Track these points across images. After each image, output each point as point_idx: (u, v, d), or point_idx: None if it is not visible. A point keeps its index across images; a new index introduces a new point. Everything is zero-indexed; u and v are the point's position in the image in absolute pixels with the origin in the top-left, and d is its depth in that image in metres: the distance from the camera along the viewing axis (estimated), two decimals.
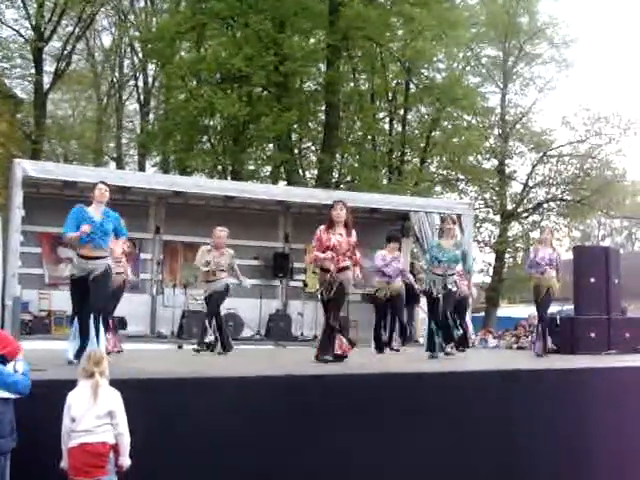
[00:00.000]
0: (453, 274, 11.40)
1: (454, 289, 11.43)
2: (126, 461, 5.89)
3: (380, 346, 12.94)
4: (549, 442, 8.77)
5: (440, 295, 11.13)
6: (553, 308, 12.69)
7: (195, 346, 11.83)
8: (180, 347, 14.84)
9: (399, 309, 13.47)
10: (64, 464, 5.82)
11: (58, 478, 5.80)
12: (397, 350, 13.06)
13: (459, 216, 17.62)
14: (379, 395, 7.96)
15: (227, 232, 12.08)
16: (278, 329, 17.66)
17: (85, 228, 8.50)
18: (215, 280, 11.84)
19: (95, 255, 8.67)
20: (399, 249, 13.71)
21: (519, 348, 16.40)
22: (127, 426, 5.87)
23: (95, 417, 5.74)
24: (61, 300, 16.18)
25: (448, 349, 11.23)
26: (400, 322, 13.45)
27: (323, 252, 9.66)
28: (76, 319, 8.76)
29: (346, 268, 9.73)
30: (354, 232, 9.82)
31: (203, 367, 9.19)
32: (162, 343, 15.52)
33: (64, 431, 5.80)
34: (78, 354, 8.23)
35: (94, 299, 8.69)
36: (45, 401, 5.93)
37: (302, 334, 17.98)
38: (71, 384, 5.97)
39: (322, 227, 9.80)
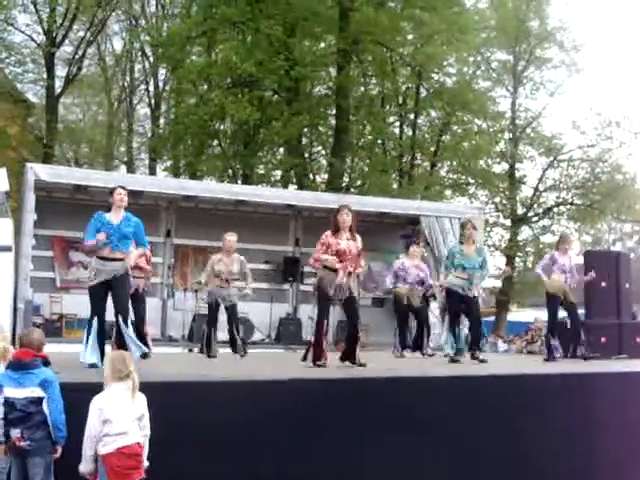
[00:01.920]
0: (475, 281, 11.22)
1: (477, 295, 11.25)
2: (145, 462, 5.99)
3: (401, 351, 13.09)
4: (558, 445, 8.78)
5: (470, 295, 10.94)
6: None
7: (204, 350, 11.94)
8: (191, 350, 14.88)
9: (424, 315, 13.62)
10: (83, 468, 5.87)
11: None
12: (431, 355, 13.09)
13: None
14: (389, 400, 7.98)
15: (236, 237, 12.07)
16: (288, 333, 17.66)
17: (100, 237, 8.55)
18: (227, 288, 11.85)
19: (114, 257, 8.66)
20: (421, 255, 13.87)
21: (530, 352, 16.39)
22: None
23: (130, 420, 5.83)
24: (72, 303, 16.27)
25: (481, 356, 10.94)
26: (427, 328, 13.55)
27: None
28: (95, 322, 8.73)
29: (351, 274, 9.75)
30: (359, 237, 9.83)
31: (213, 371, 9.22)
32: (173, 346, 15.55)
33: (92, 435, 5.81)
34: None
35: (119, 301, 8.76)
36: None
37: None
38: (85, 387, 6.02)
39: (328, 232, 9.80)
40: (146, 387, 6.07)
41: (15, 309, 13.63)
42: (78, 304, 16.09)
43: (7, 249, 12.90)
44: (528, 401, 8.81)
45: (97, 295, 8.76)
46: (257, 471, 7.10)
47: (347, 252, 9.63)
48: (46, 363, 6.05)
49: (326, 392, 7.89)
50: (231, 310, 11.96)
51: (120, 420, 5.81)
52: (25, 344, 6.10)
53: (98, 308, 8.78)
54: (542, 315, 18.75)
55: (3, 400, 5.81)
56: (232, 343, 11.91)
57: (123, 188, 8.95)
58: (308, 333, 18.02)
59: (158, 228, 17.37)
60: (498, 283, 32.53)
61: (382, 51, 27.72)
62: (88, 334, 8.74)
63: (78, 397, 5.98)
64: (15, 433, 5.77)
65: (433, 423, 8.11)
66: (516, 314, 34.03)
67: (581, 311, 14.15)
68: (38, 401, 5.79)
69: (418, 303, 13.34)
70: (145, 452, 5.96)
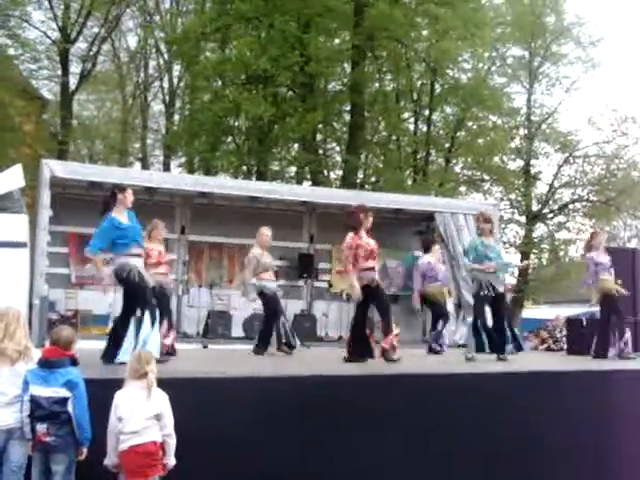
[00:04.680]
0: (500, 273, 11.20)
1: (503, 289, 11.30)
2: (172, 461, 6.03)
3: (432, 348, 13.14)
4: (574, 442, 8.75)
5: (496, 295, 10.89)
6: (579, 309, 12.60)
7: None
8: (205, 347, 14.89)
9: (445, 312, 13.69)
10: (108, 461, 5.96)
11: (98, 475, 5.92)
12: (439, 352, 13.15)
13: None
14: (409, 396, 7.97)
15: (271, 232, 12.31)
16: (303, 329, 17.59)
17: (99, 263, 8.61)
18: (271, 280, 12.10)
19: (136, 253, 8.69)
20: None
21: (549, 349, 16.32)
22: (173, 427, 5.99)
23: (144, 418, 5.86)
24: (87, 299, 16.32)
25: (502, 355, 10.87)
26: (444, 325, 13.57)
27: (367, 259, 9.86)
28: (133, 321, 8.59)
29: None
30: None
31: (228, 367, 9.21)
32: (187, 343, 15.55)
33: (110, 431, 5.92)
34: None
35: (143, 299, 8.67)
36: None
37: (327, 334, 17.98)
38: (106, 383, 6.04)
39: (352, 235, 9.88)
40: (161, 384, 6.08)
41: (31, 305, 13.66)
42: (93, 300, 16.17)
43: (23, 245, 12.92)
44: (544, 397, 8.78)
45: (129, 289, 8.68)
46: (272, 468, 7.09)
47: (376, 250, 9.99)
48: (74, 362, 6.05)
49: (343, 388, 7.88)
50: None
51: (133, 419, 5.85)
52: (52, 342, 6.14)
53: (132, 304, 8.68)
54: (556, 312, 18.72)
55: (30, 397, 5.83)
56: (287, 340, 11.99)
57: (129, 187, 8.96)
58: (322, 329, 18.09)
59: (173, 225, 17.37)
60: (512, 280, 32.43)
61: (397, 47, 27.64)
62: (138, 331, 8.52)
63: (99, 393, 5.99)
64: (41, 428, 5.81)
65: (453, 421, 8.10)
66: (530, 311, 33.90)
67: (596, 308, 14.09)
68: (62, 401, 5.81)
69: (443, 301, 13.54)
70: (171, 450, 6.01)
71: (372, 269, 9.88)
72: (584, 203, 32.37)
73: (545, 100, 32.58)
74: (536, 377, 9.38)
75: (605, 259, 12.10)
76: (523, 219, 32.19)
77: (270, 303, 12.08)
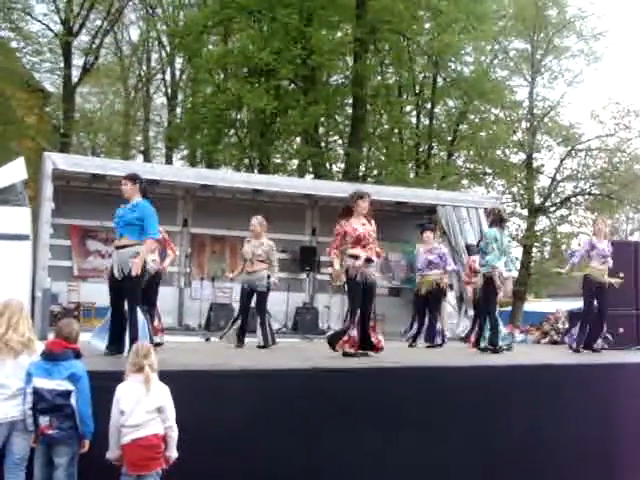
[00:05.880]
0: None
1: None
2: (174, 453, 6.02)
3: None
4: (575, 434, 8.76)
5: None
6: (581, 303, 12.50)
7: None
8: (207, 339, 14.91)
9: (432, 304, 13.32)
10: (110, 455, 5.94)
11: (101, 468, 5.92)
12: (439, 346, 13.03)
13: (485, 210, 17.61)
14: (410, 389, 7.98)
15: (258, 220, 11.95)
16: (305, 322, 17.68)
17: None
18: (253, 272, 11.71)
19: (120, 244, 8.54)
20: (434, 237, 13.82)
21: (553, 342, 16.32)
22: (175, 420, 5.99)
23: (145, 412, 5.85)
24: (89, 292, 16.35)
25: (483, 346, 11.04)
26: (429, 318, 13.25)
27: (352, 244, 9.63)
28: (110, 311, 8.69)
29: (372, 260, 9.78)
30: (373, 222, 9.89)
31: (229, 359, 9.22)
32: (190, 335, 15.58)
33: (112, 424, 5.90)
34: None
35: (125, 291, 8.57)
36: None
37: (329, 327, 17.95)
38: (107, 376, 6.05)
39: (342, 221, 9.78)
40: (162, 377, 6.09)
41: (33, 297, 13.69)
42: (95, 292, 16.20)
43: (25, 238, 12.94)
44: (544, 391, 8.78)
45: (111, 283, 8.66)
46: (274, 460, 7.11)
47: (366, 237, 9.67)
48: (77, 355, 6.06)
49: (343, 381, 7.88)
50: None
51: (134, 412, 5.84)
52: (56, 334, 6.15)
53: (114, 297, 8.67)
54: (558, 306, 18.75)
55: (32, 389, 5.84)
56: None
57: (124, 177, 8.88)
58: (324, 322, 18.11)
59: (175, 217, 17.40)
60: (515, 273, 32.36)
61: (399, 40, 27.66)
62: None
63: (102, 386, 6.01)
64: (44, 421, 5.80)
65: (454, 414, 8.11)
66: (533, 304, 33.90)
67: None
68: (65, 394, 5.80)
69: (423, 291, 13.18)
70: (173, 443, 5.99)
71: (358, 257, 9.62)
72: (586, 196, 32.35)
73: (547, 93, 32.67)
74: (538, 370, 9.38)
75: (604, 246, 11.99)
76: (525, 212, 32.16)
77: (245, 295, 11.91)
